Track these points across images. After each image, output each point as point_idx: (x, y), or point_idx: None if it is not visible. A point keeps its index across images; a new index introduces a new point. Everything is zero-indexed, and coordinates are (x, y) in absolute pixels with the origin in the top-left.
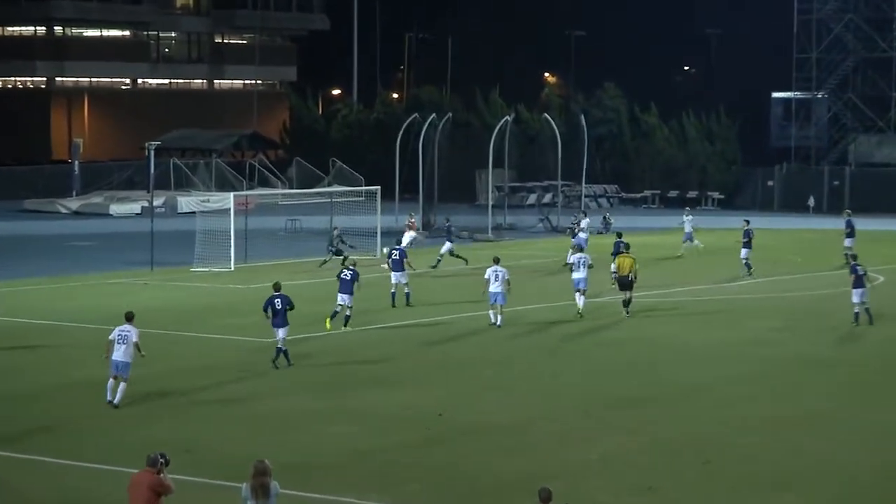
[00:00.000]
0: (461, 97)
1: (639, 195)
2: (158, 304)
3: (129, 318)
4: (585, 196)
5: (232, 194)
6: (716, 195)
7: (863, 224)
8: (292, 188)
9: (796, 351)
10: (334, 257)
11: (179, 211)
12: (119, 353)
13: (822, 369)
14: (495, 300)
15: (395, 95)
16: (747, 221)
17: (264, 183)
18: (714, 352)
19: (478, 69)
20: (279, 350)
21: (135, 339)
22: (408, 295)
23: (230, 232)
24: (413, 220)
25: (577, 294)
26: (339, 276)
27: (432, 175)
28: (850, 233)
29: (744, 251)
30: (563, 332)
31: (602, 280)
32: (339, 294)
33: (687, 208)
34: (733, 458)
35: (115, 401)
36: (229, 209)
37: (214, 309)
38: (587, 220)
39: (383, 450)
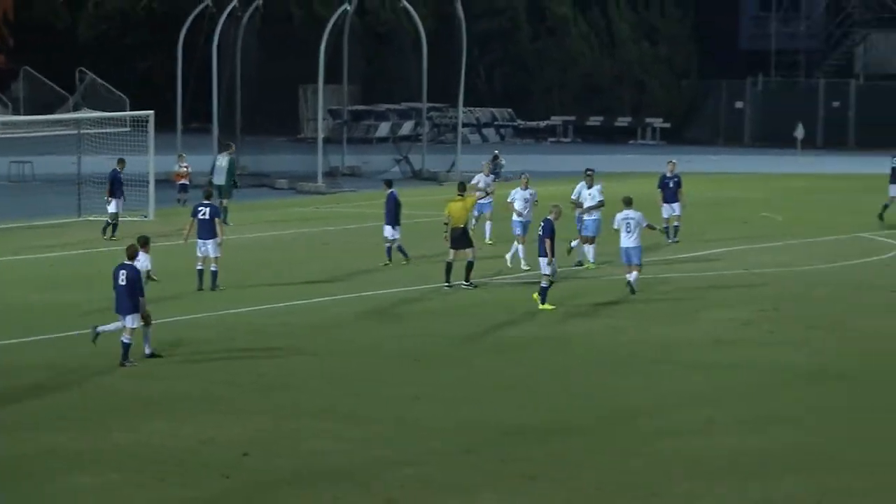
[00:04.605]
0: None
1: (543, 123)
2: None
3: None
4: (465, 125)
5: None
6: (658, 123)
7: (870, 164)
8: (18, 114)
9: (773, 358)
10: None
11: None
12: None
13: (808, 385)
14: (627, 258)
15: None
16: (673, 164)
17: None
18: (656, 358)
19: None
20: (125, 345)
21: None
22: (214, 274)
23: None
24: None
25: None
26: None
27: (233, 94)
28: None
29: (669, 207)
30: (439, 329)
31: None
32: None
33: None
34: None
35: None
36: None
37: None
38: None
39: None
